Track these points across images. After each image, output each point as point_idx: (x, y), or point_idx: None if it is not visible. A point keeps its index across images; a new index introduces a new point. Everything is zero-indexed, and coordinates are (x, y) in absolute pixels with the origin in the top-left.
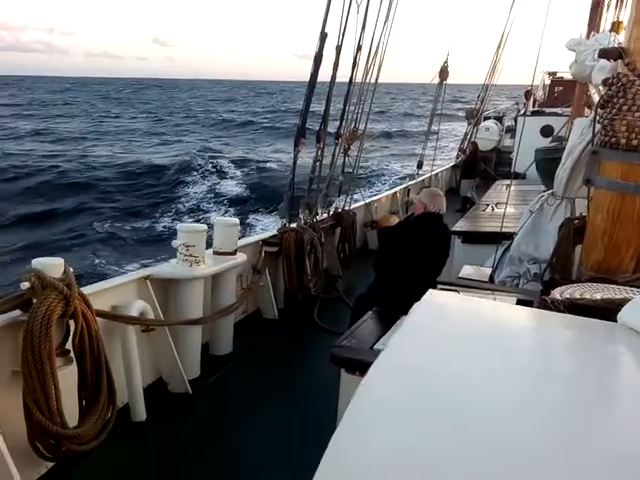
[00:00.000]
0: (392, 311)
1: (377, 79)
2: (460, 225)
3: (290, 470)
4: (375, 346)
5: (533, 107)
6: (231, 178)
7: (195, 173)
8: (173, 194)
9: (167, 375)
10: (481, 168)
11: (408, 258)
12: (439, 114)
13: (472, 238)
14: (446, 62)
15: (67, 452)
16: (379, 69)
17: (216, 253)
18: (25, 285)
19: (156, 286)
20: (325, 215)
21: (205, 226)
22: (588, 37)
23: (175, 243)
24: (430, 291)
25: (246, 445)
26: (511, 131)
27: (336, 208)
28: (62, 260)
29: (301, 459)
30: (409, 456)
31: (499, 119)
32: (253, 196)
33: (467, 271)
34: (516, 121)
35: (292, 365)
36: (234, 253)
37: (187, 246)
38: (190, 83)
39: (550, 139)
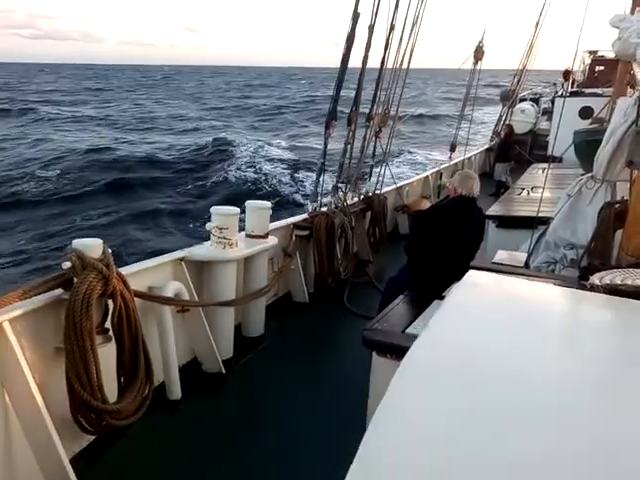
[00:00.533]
0: (424, 295)
1: (410, 60)
2: (494, 209)
3: (320, 449)
4: (407, 330)
5: (572, 88)
6: (268, 162)
7: (235, 157)
8: (214, 177)
9: (201, 355)
10: (515, 152)
11: (440, 242)
12: (473, 97)
13: (507, 223)
14: (482, 41)
15: (107, 426)
16: (412, 50)
17: (248, 236)
18: (67, 265)
19: (190, 268)
20: (356, 199)
21: (238, 209)
22: (633, 13)
23: (209, 225)
24: (470, 272)
25: (277, 424)
26: (548, 113)
27: (367, 192)
28: (101, 241)
29: (331, 439)
30: (454, 429)
31: (535, 101)
32: (285, 180)
33: (501, 256)
34: (553, 103)
35: (322, 348)
36: (266, 236)
37: (220, 229)
38: (222, 69)
39: (589, 121)
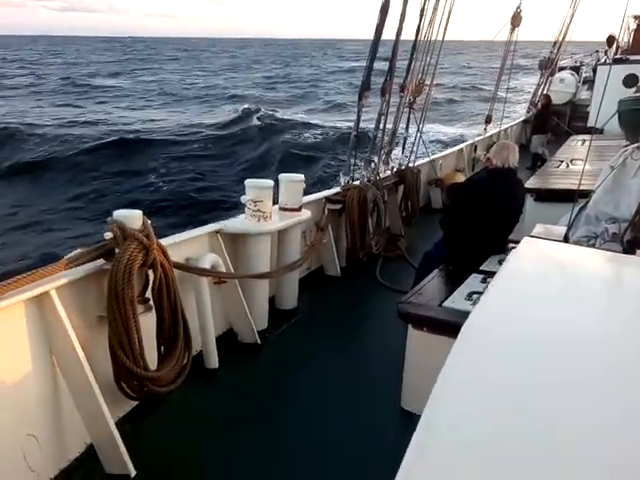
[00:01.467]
0: (460, 269)
1: (446, 28)
2: (532, 182)
3: (354, 419)
4: (444, 303)
5: (615, 55)
6: (300, 134)
7: (270, 129)
8: (248, 151)
9: (237, 326)
10: (553, 123)
11: (477, 216)
12: (509, 67)
13: (545, 196)
14: (519, 7)
15: (148, 393)
16: (448, 18)
17: (282, 209)
18: (108, 235)
19: (226, 240)
20: (388, 172)
21: (272, 182)
22: None
23: (243, 198)
24: (525, 239)
25: (312, 394)
26: (589, 82)
27: (400, 165)
28: (141, 212)
29: (365, 410)
30: (515, 396)
31: (576, 70)
32: (319, 154)
33: (539, 230)
34: (595, 71)
35: (355, 321)
36: (299, 209)
37: (255, 202)
38: (250, 42)
39: (634, 89)
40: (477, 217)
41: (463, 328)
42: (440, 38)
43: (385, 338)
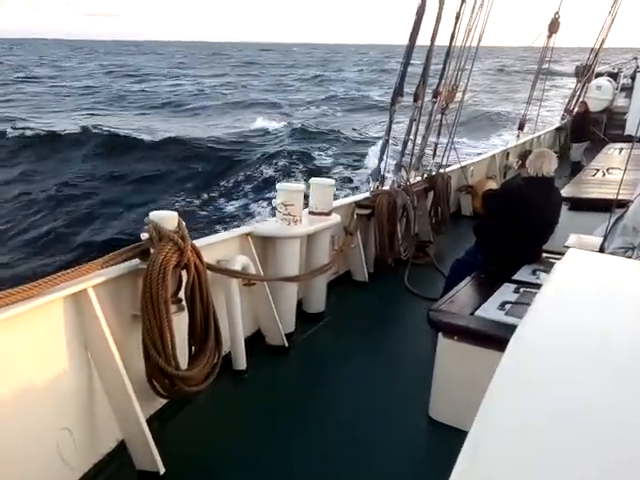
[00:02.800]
0: (493, 278)
1: (482, 34)
2: (567, 191)
3: (380, 424)
4: (476, 312)
5: None
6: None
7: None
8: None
9: (265, 328)
10: (590, 130)
11: (513, 224)
12: (545, 73)
13: (580, 205)
14: (557, 13)
15: (179, 391)
16: (484, 23)
17: (312, 213)
18: (145, 236)
19: (256, 243)
20: (418, 178)
21: (303, 186)
22: None
23: (274, 202)
24: (571, 250)
25: (338, 398)
26: (627, 90)
27: (430, 170)
28: (176, 214)
29: (392, 416)
30: (570, 413)
31: (613, 76)
32: (348, 160)
33: (573, 240)
34: (634, 78)
35: (382, 327)
36: (329, 214)
37: (285, 205)
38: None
39: None
40: (512, 225)
41: (512, 340)
42: (475, 43)
43: (413, 345)
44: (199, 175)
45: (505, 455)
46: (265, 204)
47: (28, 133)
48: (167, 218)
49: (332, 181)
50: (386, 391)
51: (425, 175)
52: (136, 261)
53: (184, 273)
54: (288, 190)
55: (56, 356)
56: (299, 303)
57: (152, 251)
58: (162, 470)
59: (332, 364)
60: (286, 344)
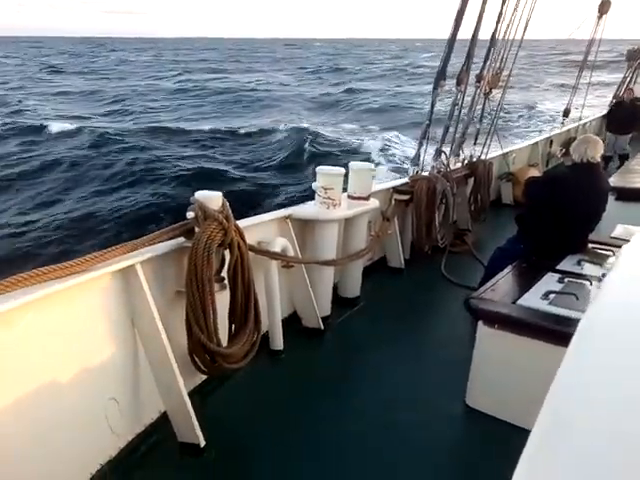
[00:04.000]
0: (536, 267)
1: (529, 16)
2: (614, 180)
3: (415, 411)
4: (519, 301)
5: None
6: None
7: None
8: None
9: (301, 310)
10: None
11: (558, 212)
12: (593, 58)
13: (628, 195)
14: None
15: (219, 368)
16: (532, 7)
17: (350, 197)
18: (190, 215)
19: (295, 225)
20: (459, 164)
21: (343, 170)
22: None
23: (314, 185)
24: (637, 236)
25: (373, 383)
26: None
27: (471, 157)
28: (220, 194)
29: (427, 402)
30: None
31: None
32: (387, 145)
33: (620, 231)
34: None
35: (418, 313)
36: (367, 198)
37: (325, 189)
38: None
39: None
40: (557, 213)
41: (578, 331)
42: (521, 29)
43: (449, 332)
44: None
45: (576, 458)
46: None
47: None
48: (212, 198)
49: (372, 165)
50: (421, 377)
51: (466, 161)
52: (181, 239)
53: (227, 253)
54: (329, 174)
55: (104, 329)
56: (334, 287)
57: (197, 230)
58: (202, 443)
59: (367, 349)
60: (322, 327)
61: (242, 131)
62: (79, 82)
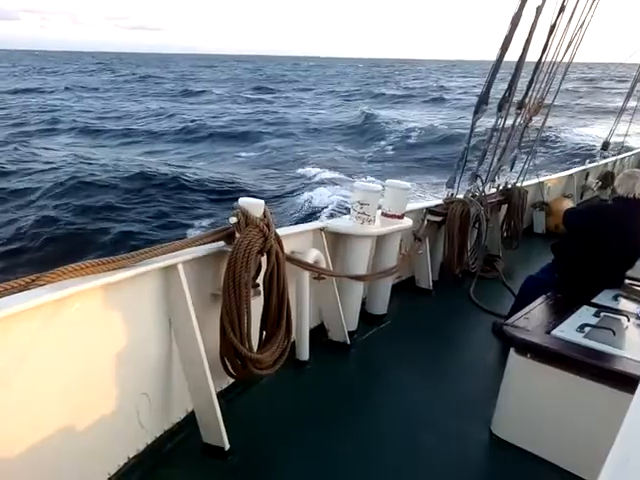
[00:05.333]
0: (571, 299)
1: (578, 46)
2: None
3: (439, 434)
4: (553, 332)
5: None
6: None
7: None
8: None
9: (329, 323)
10: None
11: (597, 245)
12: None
13: None
14: None
15: (248, 373)
16: (581, 37)
17: (384, 214)
18: (233, 220)
19: (329, 238)
20: (494, 190)
21: (380, 187)
22: None
23: (350, 200)
24: None
25: (397, 403)
26: None
27: (506, 183)
28: (263, 202)
29: (452, 427)
30: None
31: None
32: (422, 165)
33: None
34: None
35: (444, 337)
36: (401, 217)
37: (361, 204)
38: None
39: None
40: (597, 247)
41: None
42: (567, 57)
43: (474, 358)
44: None
45: None
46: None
47: None
48: (255, 205)
49: (408, 184)
50: (446, 402)
51: (501, 187)
52: (221, 243)
53: (263, 260)
54: (366, 190)
55: (143, 324)
56: (362, 303)
57: (238, 235)
58: (227, 446)
59: (392, 368)
60: (348, 341)
61: None
62: None
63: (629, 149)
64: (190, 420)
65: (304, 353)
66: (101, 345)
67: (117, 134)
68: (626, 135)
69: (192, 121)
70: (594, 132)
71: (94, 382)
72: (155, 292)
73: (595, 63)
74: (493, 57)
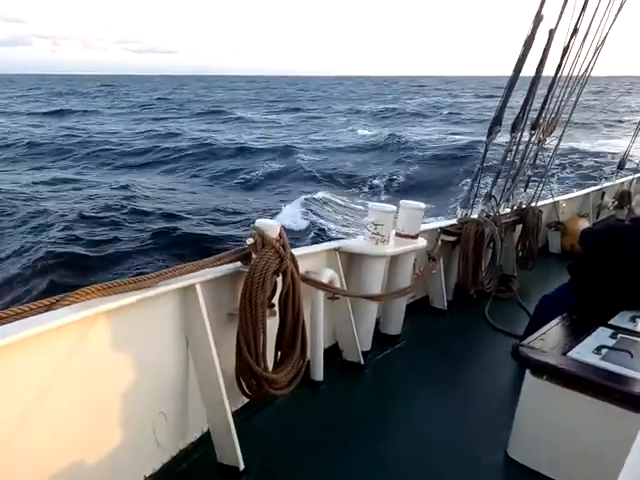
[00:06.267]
0: (587, 320)
1: (591, 69)
2: None
3: (454, 457)
4: (569, 353)
5: None
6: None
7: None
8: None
9: (343, 343)
10: None
11: (614, 266)
12: None
13: None
14: None
15: (263, 393)
16: (596, 57)
17: (398, 235)
18: (250, 241)
19: (343, 258)
20: (508, 210)
21: (394, 207)
22: None
23: (365, 220)
24: None
25: (411, 424)
26: None
27: (520, 203)
28: (279, 224)
29: (467, 449)
30: None
31: None
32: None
33: None
34: None
35: (459, 357)
36: (415, 237)
37: (376, 224)
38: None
39: None
40: (612, 267)
41: None
42: (580, 77)
43: (489, 379)
44: None
45: None
46: None
47: None
48: (271, 226)
49: (422, 205)
50: (461, 423)
51: (515, 207)
52: (238, 264)
53: (279, 280)
54: (380, 210)
55: (160, 343)
56: (376, 323)
57: (254, 256)
58: (242, 466)
59: (407, 389)
60: (362, 362)
61: None
62: None
63: None
64: (205, 439)
65: (318, 373)
66: (122, 364)
67: None
68: None
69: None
70: (609, 149)
71: (113, 400)
72: (173, 312)
73: (609, 77)
74: (488, 73)
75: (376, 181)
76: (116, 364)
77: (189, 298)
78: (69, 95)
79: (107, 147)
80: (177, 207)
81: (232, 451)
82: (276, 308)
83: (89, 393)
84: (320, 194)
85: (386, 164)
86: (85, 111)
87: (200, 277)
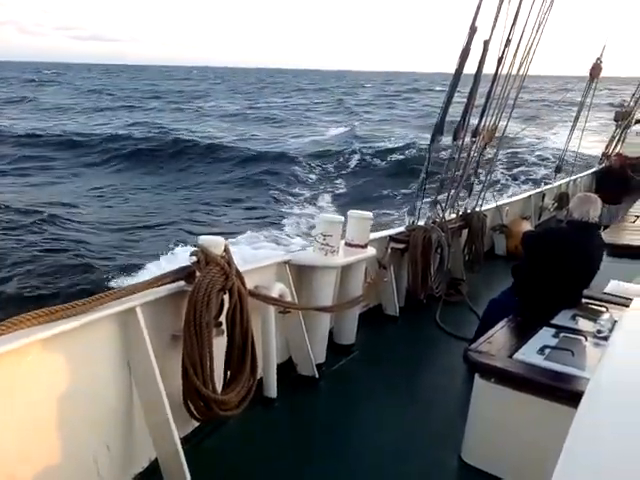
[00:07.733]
0: (531, 321)
1: (525, 76)
2: (606, 237)
3: (410, 463)
4: (515, 355)
5: None
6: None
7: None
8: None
9: (297, 357)
10: (629, 176)
11: (552, 267)
12: (585, 117)
13: (619, 251)
14: (600, 58)
15: (213, 415)
16: (528, 66)
17: (348, 245)
18: (193, 259)
19: (293, 271)
20: (454, 215)
21: (342, 218)
22: None
23: (314, 232)
24: (637, 300)
25: (367, 434)
26: None
27: (465, 209)
28: (223, 239)
29: (422, 455)
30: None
31: None
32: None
33: (613, 287)
34: None
35: (412, 363)
36: (365, 246)
37: (325, 235)
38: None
39: None
40: (552, 268)
41: (586, 394)
42: (515, 87)
43: (443, 384)
44: None
45: None
46: None
47: None
48: (215, 243)
49: (370, 214)
50: (416, 429)
51: (460, 213)
52: (181, 283)
53: (226, 298)
54: (328, 221)
55: (100, 371)
56: (329, 333)
57: (198, 274)
58: None
59: (362, 398)
60: (317, 375)
61: None
62: None
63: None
64: (153, 469)
65: (272, 390)
66: (59, 394)
67: None
68: (576, 158)
69: None
70: (548, 152)
71: (49, 434)
72: (114, 337)
73: (549, 77)
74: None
75: None
76: (53, 394)
77: (129, 322)
78: None
79: None
80: None
81: (182, 478)
82: (224, 327)
83: (25, 426)
84: None
85: None
86: None
87: (141, 299)
